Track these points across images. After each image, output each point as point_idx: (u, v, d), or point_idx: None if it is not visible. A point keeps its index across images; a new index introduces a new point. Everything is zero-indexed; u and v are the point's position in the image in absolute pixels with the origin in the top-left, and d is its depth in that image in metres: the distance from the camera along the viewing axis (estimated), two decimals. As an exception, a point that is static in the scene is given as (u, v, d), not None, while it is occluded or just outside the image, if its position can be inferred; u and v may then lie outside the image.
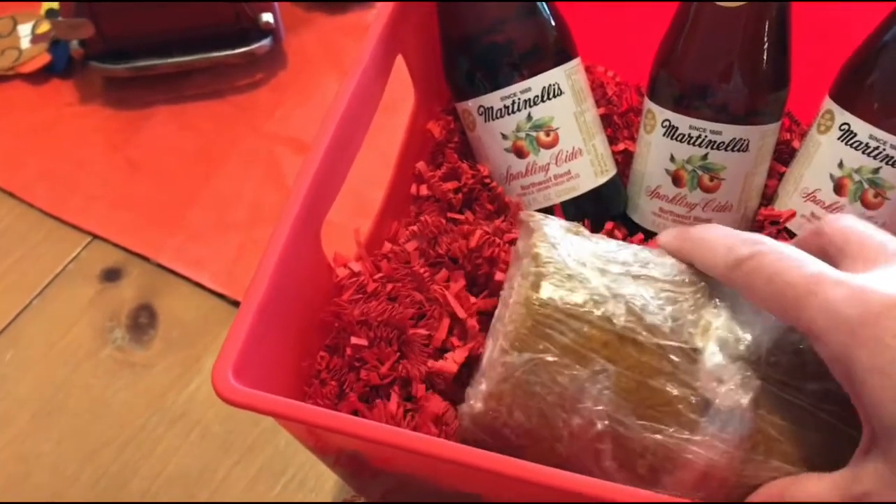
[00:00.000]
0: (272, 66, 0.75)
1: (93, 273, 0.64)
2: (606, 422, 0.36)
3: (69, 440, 0.56)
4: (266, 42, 0.72)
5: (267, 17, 0.71)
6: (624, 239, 0.50)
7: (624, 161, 0.54)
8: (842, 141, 0.48)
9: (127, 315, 0.62)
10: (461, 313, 0.42)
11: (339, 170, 0.42)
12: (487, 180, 0.50)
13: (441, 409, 0.40)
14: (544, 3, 0.50)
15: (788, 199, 0.51)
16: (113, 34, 0.70)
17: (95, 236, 0.65)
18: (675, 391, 0.36)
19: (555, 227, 0.40)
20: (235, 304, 0.62)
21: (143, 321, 0.62)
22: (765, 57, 0.47)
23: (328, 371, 0.42)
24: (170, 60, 0.71)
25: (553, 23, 0.50)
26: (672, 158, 0.49)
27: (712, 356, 0.36)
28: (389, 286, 0.44)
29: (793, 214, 0.50)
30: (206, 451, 0.56)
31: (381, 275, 0.44)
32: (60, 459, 0.55)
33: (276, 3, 0.72)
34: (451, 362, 0.40)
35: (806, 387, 0.37)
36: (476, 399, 0.38)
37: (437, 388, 0.42)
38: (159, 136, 0.72)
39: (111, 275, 0.64)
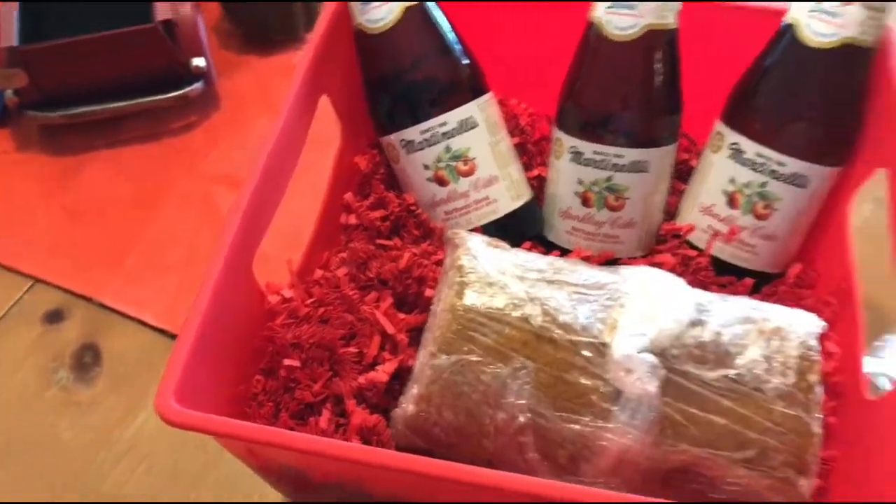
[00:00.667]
0: (206, 109, 0.78)
1: (35, 316, 0.65)
2: (528, 415, 0.40)
3: (18, 481, 0.57)
4: (198, 85, 0.74)
5: (198, 61, 0.73)
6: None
7: (539, 185, 0.58)
8: (732, 159, 0.52)
9: (71, 355, 0.63)
10: (390, 329, 0.45)
11: (269, 205, 0.45)
12: (413, 208, 0.54)
13: (370, 421, 0.43)
14: (456, 44, 0.54)
15: (688, 214, 0.55)
16: (47, 83, 0.72)
17: (37, 280, 0.67)
18: (588, 383, 0.40)
19: (477, 241, 0.45)
20: (178, 338, 0.64)
21: (87, 360, 0.63)
22: (657, 85, 0.51)
23: (264, 393, 0.45)
24: (104, 107, 0.73)
25: (465, 61, 0.54)
26: (580, 181, 0.53)
27: (620, 349, 0.40)
28: (321, 310, 0.47)
29: (692, 228, 0.54)
30: (155, 482, 0.57)
31: (312, 300, 0.47)
32: (10, 500, 0.56)
33: (206, 48, 0.74)
34: (381, 373, 0.43)
35: (708, 376, 0.41)
36: (408, 402, 0.41)
37: (370, 403, 0.45)
38: (97, 182, 0.73)
39: (53, 317, 0.65)
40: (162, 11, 0.71)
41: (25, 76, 0.70)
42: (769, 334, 0.43)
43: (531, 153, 0.60)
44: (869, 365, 0.46)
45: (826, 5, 0.48)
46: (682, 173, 0.59)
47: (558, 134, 0.54)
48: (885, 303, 0.42)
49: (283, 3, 0.78)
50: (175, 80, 0.74)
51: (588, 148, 0.52)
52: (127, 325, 0.65)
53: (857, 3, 0.47)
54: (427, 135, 0.53)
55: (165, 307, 0.65)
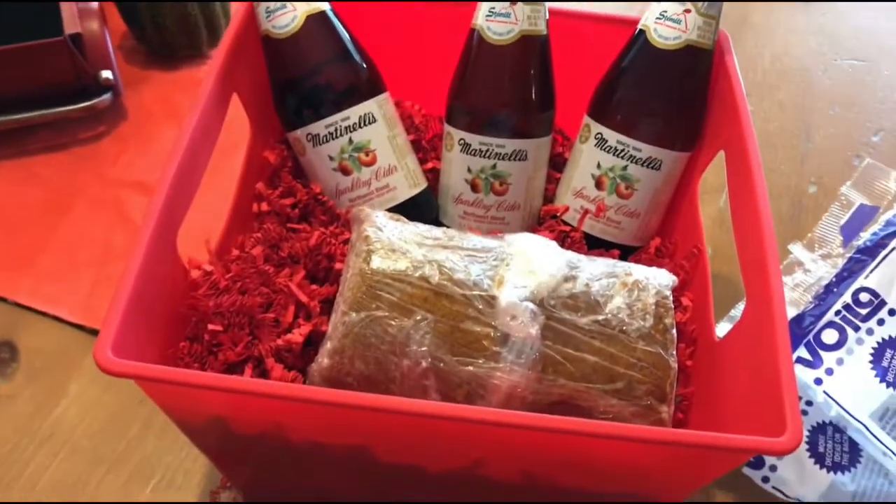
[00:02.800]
0: (113, 120, 0.82)
1: (-51, 317, 0.67)
2: (429, 360, 0.46)
3: (-62, 470, 0.59)
4: (107, 97, 0.78)
5: (106, 73, 0.77)
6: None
7: (433, 177, 0.65)
8: (597, 147, 0.60)
9: (-13, 352, 0.65)
10: (304, 298, 0.50)
11: (192, 180, 0.49)
12: (320, 196, 0.60)
13: (287, 377, 0.48)
14: (355, 47, 0.60)
15: (563, 198, 0.63)
16: (-47, 95, 0.74)
17: (-51, 283, 0.69)
18: (480, 330, 0.46)
19: (380, 216, 0.51)
20: (95, 332, 0.66)
21: (4, 356, 0.65)
22: (532, 83, 0.59)
23: (190, 356, 0.49)
24: (13, 117, 0.76)
25: (364, 64, 0.60)
26: (469, 170, 0.60)
27: (506, 299, 0.47)
28: (239, 283, 0.51)
29: (566, 209, 0.62)
30: (76, 466, 0.60)
31: (230, 274, 0.52)
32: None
33: (114, 61, 0.78)
34: (297, 335, 0.48)
35: (580, 321, 0.48)
36: (323, 356, 0.47)
37: (287, 364, 0.49)
38: (5, 189, 0.76)
39: (-33, 317, 0.67)
40: (70, 25, 0.74)
41: (-67, 87, 0.72)
42: (630, 286, 0.50)
43: (425, 149, 0.67)
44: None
45: (670, 13, 0.57)
46: (559, 164, 0.66)
47: (448, 129, 0.61)
48: (736, 278, 0.50)
49: (187, 20, 0.83)
50: (83, 92, 0.77)
51: (475, 139, 0.59)
52: (42, 322, 0.67)
53: (694, 12, 0.56)
54: (331, 128, 0.58)
55: (81, 303, 0.68)
